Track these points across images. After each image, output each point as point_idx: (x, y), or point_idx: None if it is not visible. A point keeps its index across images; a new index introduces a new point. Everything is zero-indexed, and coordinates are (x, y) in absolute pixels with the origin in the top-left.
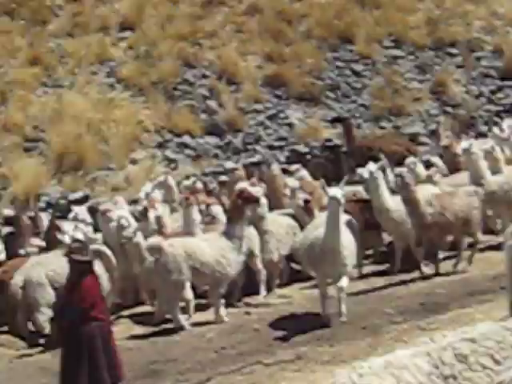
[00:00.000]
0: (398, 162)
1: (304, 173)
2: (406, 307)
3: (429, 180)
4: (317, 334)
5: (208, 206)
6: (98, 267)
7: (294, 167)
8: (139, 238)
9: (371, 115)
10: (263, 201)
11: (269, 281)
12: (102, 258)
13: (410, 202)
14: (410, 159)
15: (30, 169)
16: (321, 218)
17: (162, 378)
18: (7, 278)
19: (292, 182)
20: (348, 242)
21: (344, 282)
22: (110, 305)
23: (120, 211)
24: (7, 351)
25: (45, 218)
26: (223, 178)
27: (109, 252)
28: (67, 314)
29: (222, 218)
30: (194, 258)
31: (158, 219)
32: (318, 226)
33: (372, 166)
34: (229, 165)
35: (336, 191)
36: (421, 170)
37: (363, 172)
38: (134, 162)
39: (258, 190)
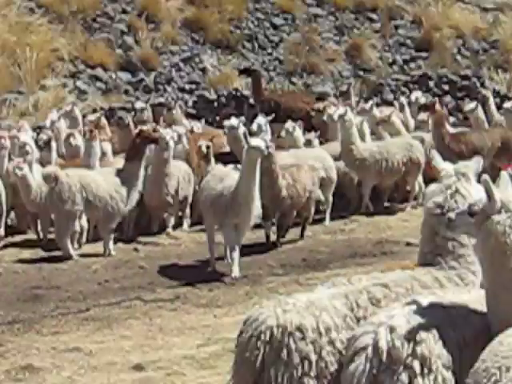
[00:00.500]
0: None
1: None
2: (288, 261)
3: (309, 144)
4: (198, 277)
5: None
6: None
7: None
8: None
9: (284, 70)
10: (171, 144)
11: (164, 221)
12: None
13: (268, 173)
14: (288, 123)
15: None
16: (220, 168)
17: (42, 303)
18: None
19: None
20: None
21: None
22: None
23: (23, 136)
24: None
25: None
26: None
27: None
28: None
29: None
30: (88, 191)
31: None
32: (221, 176)
33: (261, 119)
34: (138, 105)
35: (258, 141)
36: (299, 134)
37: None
38: (44, 88)
39: (167, 132)
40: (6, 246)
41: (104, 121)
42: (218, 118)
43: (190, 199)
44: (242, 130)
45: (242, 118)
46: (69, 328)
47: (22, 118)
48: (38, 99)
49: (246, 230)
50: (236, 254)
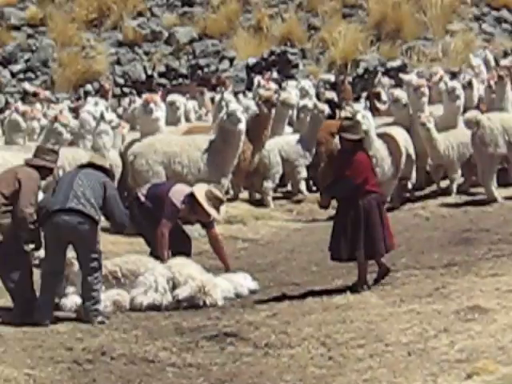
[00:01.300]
0: None
1: None
2: None
3: None
4: None
5: None
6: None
7: None
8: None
9: None
10: None
11: None
12: (387, 141)
13: None
14: None
15: (348, 35)
16: None
17: (474, 245)
18: None
19: None
20: None
21: None
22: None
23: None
24: None
25: None
26: None
27: (401, 137)
28: (340, 188)
29: None
30: (510, 134)
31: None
32: None
33: None
34: None
35: None
36: None
37: None
38: (450, 33)
39: None
40: None
41: None
42: None
43: None
44: None
45: None
46: (506, 269)
47: (433, 65)
48: (445, 44)
49: None
50: None
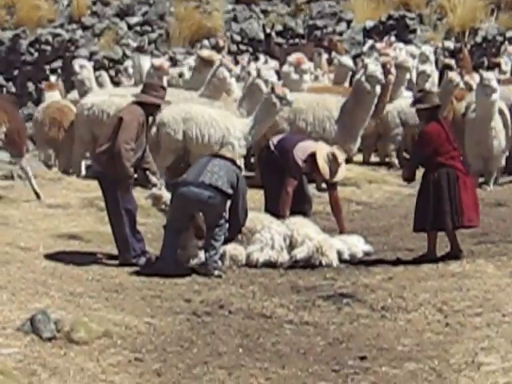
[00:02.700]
0: None
1: None
2: None
3: None
4: None
5: None
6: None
7: None
8: None
9: None
10: None
11: None
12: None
13: None
14: None
15: (467, 2)
16: None
17: None
18: None
19: None
20: None
21: None
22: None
23: None
24: None
25: None
26: None
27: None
28: (411, 161)
29: None
30: None
31: None
32: None
33: None
34: None
35: None
36: None
37: None
38: None
39: None
40: None
41: None
42: None
43: None
44: None
45: None
46: None
47: None
48: None
49: None
50: None
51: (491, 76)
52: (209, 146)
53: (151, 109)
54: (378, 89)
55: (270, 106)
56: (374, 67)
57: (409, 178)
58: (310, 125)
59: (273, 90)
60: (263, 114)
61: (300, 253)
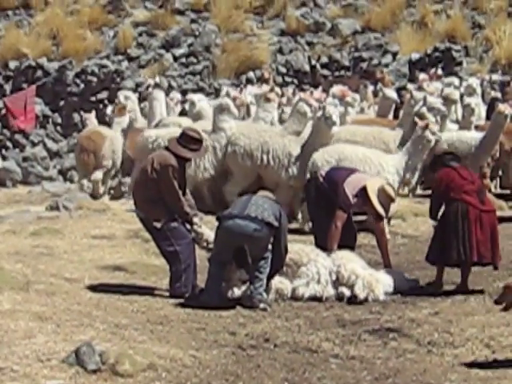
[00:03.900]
0: None
1: None
2: None
3: None
4: None
5: None
6: None
7: None
8: None
9: None
10: None
11: None
12: None
13: None
14: None
15: None
16: None
17: None
18: None
19: None
20: None
21: None
22: None
23: None
24: None
25: None
26: None
27: None
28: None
29: None
30: None
31: None
32: None
33: None
34: None
35: None
36: None
37: None
38: None
39: None
40: None
41: None
42: None
43: None
44: None
45: None
46: None
47: None
48: None
49: None
50: None
51: None
52: None
53: (183, 160)
54: (439, 119)
55: (423, 142)
56: (435, 99)
57: (434, 218)
58: None
59: (427, 126)
60: (416, 149)
61: (347, 291)
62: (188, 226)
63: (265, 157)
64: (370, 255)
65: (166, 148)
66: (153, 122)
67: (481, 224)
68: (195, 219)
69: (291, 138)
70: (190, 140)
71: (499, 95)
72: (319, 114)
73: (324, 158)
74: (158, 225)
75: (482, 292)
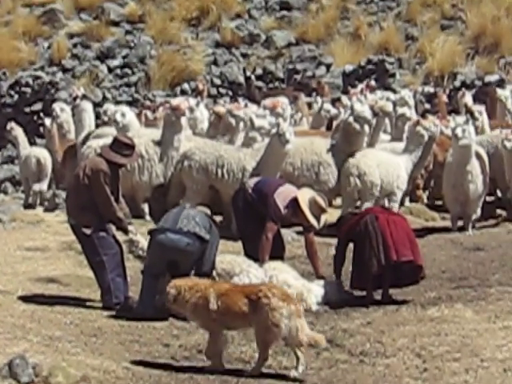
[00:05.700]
0: None
1: None
2: None
3: None
4: None
5: None
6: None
7: None
8: None
9: None
10: None
11: None
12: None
13: None
14: None
15: (446, 47)
16: None
17: None
18: None
19: None
20: None
21: None
22: None
23: None
24: None
25: None
26: None
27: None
28: None
29: None
30: None
31: None
32: None
33: None
34: None
35: None
36: None
37: None
38: None
39: None
40: None
41: None
42: None
43: None
44: None
45: None
46: None
47: None
48: None
49: None
50: None
51: (460, 121)
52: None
53: (115, 166)
54: (367, 128)
55: (417, 137)
56: (361, 107)
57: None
58: (297, 169)
59: (418, 122)
60: (413, 146)
61: None
62: (118, 237)
63: (219, 171)
64: (303, 266)
65: (99, 155)
66: (82, 133)
67: (394, 225)
68: (130, 227)
69: (246, 152)
70: (122, 146)
71: (428, 106)
72: (273, 130)
73: (365, 163)
74: (88, 231)
75: (413, 302)
